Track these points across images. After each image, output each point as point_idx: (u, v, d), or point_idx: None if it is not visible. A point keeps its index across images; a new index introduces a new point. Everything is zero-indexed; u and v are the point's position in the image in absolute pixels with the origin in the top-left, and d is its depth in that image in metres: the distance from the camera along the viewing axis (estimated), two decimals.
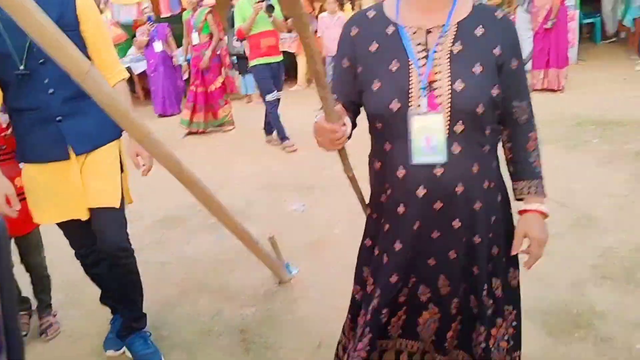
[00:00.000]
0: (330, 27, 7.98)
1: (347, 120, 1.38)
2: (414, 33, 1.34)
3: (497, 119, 1.41)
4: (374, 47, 1.38)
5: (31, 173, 2.10)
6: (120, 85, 2.14)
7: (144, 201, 3.47)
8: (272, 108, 5.42)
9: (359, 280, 1.61)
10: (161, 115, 8.07)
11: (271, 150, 5.56)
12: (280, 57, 5.47)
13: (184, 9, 9.15)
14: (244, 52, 6.98)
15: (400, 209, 1.39)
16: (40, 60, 1.93)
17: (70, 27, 1.90)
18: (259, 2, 5.02)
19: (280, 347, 2.41)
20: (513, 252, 1.48)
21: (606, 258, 2.78)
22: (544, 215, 1.46)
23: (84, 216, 2.11)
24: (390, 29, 1.37)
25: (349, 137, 1.42)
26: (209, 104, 6.54)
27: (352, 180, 1.66)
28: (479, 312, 1.46)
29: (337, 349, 1.77)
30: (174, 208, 4.10)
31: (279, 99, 5.45)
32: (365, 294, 1.55)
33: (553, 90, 6.30)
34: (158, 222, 4.00)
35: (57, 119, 1.99)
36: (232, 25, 6.93)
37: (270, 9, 5.02)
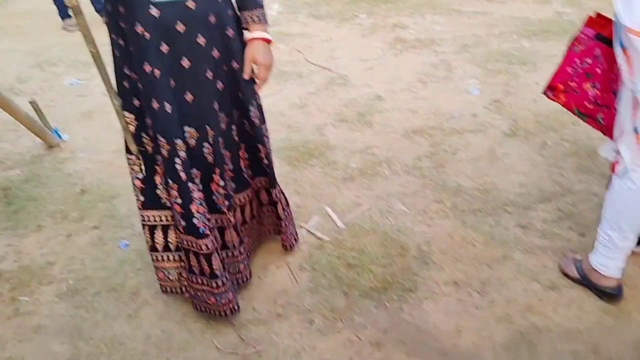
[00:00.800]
0: None
1: None
2: None
3: None
4: None
5: None
6: None
7: None
8: None
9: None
10: None
11: (47, 28, 5.16)
12: None
13: None
14: None
15: (164, 47, 1.46)
16: None
17: None
18: None
19: (43, 198, 2.51)
20: (245, 77, 1.62)
21: (347, 107, 3.26)
22: (268, 41, 1.61)
23: None
24: None
25: None
26: None
27: (77, 13, 1.43)
28: None
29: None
30: None
31: None
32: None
33: None
34: None
35: None
36: None
37: None
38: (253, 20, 1.59)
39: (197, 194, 1.59)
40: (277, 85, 3.56)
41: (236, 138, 1.76)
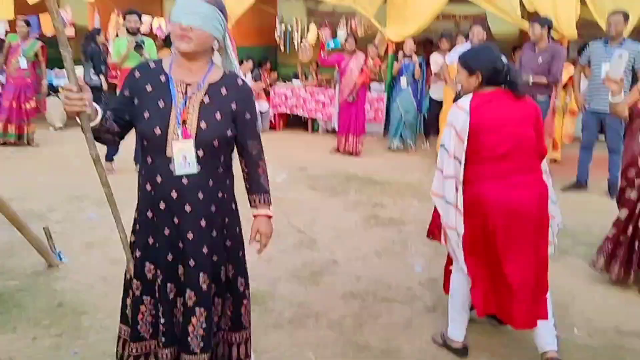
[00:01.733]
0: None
1: (89, 93, 1.80)
2: (179, 85, 1.93)
3: (230, 151, 2.03)
4: (149, 88, 1.94)
5: None
6: None
7: None
8: None
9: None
10: None
11: (75, 166, 6.09)
12: None
13: (43, 34, 9.62)
14: (101, 85, 7.78)
15: (162, 205, 1.94)
16: None
17: None
18: (132, 41, 5.86)
19: (26, 307, 3.07)
20: (250, 243, 2.14)
21: (304, 266, 3.80)
22: (269, 217, 2.15)
23: None
24: (163, 78, 1.95)
25: (101, 123, 1.88)
26: (21, 119, 7.47)
27: (96, 161, 1.98)
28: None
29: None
30: None
31: None
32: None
33: (351, 153, 7.61)
34: None
35: None
36: (88, 59, 7.75)
37: (138, 47, 5.80)
38: (260, 202, 2.14)
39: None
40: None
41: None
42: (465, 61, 2.63)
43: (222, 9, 1.92)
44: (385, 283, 3.60)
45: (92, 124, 1.84)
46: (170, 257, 1.99)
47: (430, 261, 3.95)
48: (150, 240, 2.01)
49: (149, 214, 1.99)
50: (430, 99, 8.33)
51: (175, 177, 1.91)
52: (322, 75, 9.83)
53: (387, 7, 8.38)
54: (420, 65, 7.81)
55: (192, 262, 1.98)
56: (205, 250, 1.99)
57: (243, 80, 2.05)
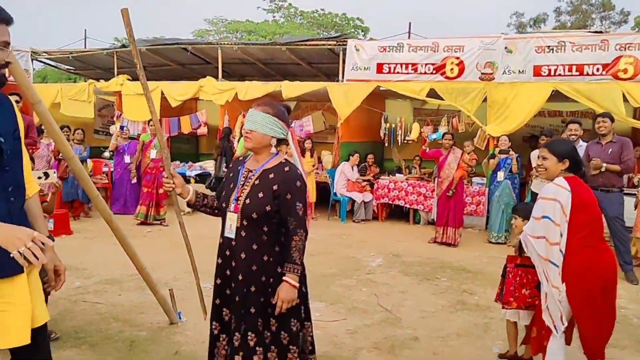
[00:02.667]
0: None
1: (177, 179, 2.67)
2: (245, 171, 2.63)
3: (275, 223, 2.52)
4: (230, 173, 2.72)
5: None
6: (36, 196, 2.23)
7: (98, 266, 5.00)
8: None
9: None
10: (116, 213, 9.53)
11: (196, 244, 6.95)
12: None
13: (181, 133, 11.26)
14: None
15: (219, 260, 2.65)
16: (6, 167, 1.95)
17: (19, 137, 2.06)
18: None
19: (151, 353, 3.74)
20: (273, 302, 2.50)
21: (386, 339, 4.14)
22: (292, 285, 2.46)
23: (27, 339, 1.92)
24: (239, 167, 2.67)
25: (196, 200, 2.74)
26: (157, 202, 8.80)
27: (181, 225, 3.05)
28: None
29: None
30: (117, 273, 5.50)
31: None
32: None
33: (448, 244, 7.86)
34: (103, 280, 5.38)
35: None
36: (221, 154, 9.11)
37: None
38: (288, 270, 2.48)
39: None
40: (344, 315, 4.60)
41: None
42: (556, 149, 3.15)
43: (278, 116, 2.59)
44: None
45: (186, 200, 2.71)
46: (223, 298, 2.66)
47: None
48: (218, 281, 2.67)
49: (219, 260, 2.66)
50: (532, 192, 8.45)
51: (228, 239, 2.58)
52: (425, 169, 10.36)
53: (488, 106, 8.88)
54: (517, 160, 8.08)
55: (233, 305, 2.58)
56: (237, 299, 2.55)
57: (290, 168, 2.57)
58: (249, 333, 2.53)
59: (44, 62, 14.20)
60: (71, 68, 14.92)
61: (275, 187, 2.52)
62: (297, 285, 2.50)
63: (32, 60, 12.56)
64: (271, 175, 2.56)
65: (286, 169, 2.56)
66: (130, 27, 2.51)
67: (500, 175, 8.17)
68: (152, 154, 8.85)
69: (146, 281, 4.06)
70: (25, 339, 1.89)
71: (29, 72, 11.95)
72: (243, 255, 2.54)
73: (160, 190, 8.72)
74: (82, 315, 4.43)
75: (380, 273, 6.09)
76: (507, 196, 8.16)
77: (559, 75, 8.78)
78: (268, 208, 2.50)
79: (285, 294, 2.48)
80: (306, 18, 29.65)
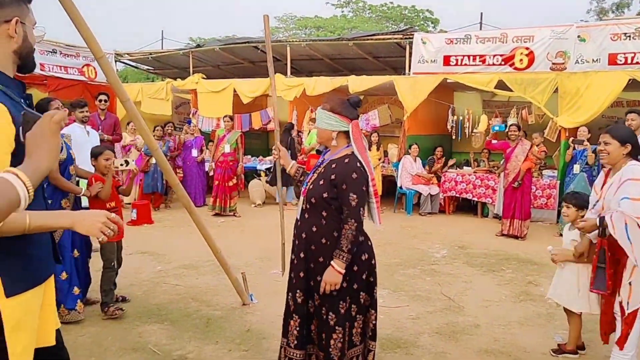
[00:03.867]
0: None
1: (284, 151, 3.20)
2: (321, 160, 2.90)
3: (333, 209, 2.71)
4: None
5: (25, 304, 1.71)
6: None
7: (177, 253, 5.50)
8: None
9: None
10: None
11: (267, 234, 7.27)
12: None
13: (252, 128, 11.72)
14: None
15: (293, 236, 2.96)
16: None
17: None
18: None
19: (225, 329, 4.05)
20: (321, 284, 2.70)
21: (448, 325, 4.26)
22: (335, 269, 2.63)
23: (53, 341, 1.91)
24: (320, 159, 2.95)
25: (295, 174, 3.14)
26: (225, 195, 9.22)
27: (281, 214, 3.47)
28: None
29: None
30: (194, 259, 5.93)
31: None
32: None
33: (515, 237, 7.78)
34: (182, 265, 5.82)
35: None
36: (287, 147, 9.47)
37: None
38: (335, 255, 2.65)
39: None
40: (406, 302, 4.76)
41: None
42: (618, 134, 3.19)
43: (334, 110, 2.78)
44: (521, 347, 3.90)
45: (287, 170, 3.14)
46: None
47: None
48: (292, 257, 2.93)
49: (293, 238, 2.93)
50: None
51: (297, 219, 2.88)
52: (493, 162, 10.23)
53: (559, 97, 8.67)
54: (593, 152, 7.85)
55: (295, 279, 2.86)
56: (301, 275, 2.80)
57: (350, 160, 2.72)
58: (309, 302, 2.83)
59: (126, 63, 15.11)
60: (150, 68, 15.77)
61: (333, 177, 2.71)
62: (342, 271, 2.64)
63: (115, 61, 13.44)
64: (333, 166, 2.75)
65: (346, 160, 2.73)
66: (269, 32, 2.97)
67: (577, 168, 7.95)
68: (226, 148, 9.31)
69: (221, 264, 4.39)
70: (51, 340, 1.88)
71: None
72: (304, 235, 2.80)
73: (230, 183, 9.20)
74: (164, 295, 4.85)
75: (444, 264, 6.17)
76: (582, 189, 7.87)
77: (637, 63, 8.42)
78: (325, 195, 2.71)
79: (328, 277, 2.66)
80: (375, 12, 29.58)
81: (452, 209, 10.03)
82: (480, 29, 11.85)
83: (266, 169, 11.14)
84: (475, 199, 9.59)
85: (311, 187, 2.79)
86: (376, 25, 27.00)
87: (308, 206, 2.79)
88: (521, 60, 9.22)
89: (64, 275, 4.14)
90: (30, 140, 1.40)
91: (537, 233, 8.01)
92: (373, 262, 2.86)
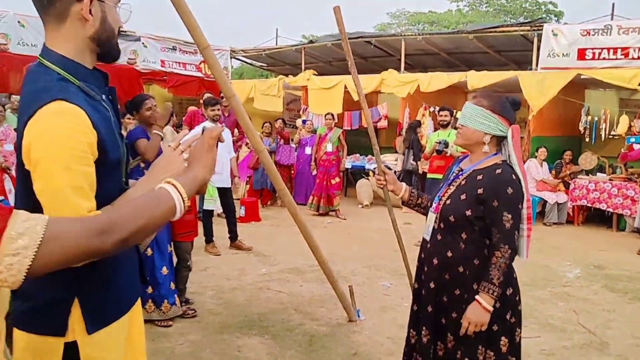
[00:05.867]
0: None
1: (389, 175, 2.64)
2: (457, 170, 2.37)
3: (477, 231, 2.18)
4: (447, 171, 2.50)
5: (108, 339, 1.42)
6: None
7: (282, 254, 5.21)
8: None
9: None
10: (299, 204, 9.86)
11: (376, 239, 6.84)
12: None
13: (362, 126, 11.35)
14: (416, 169, 9.20)
15: (418, 261, 2.46)
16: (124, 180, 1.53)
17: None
18: (437, 142, 6.73)
19: (330, 350, 3.69)
20: (463, 326, 2.17)
21: None
22: (481, 306, 2.12)
23: None
24: (454, 165, 2.45)
25: (410, 198, 2.59)
26: (328, 194, 8.95)
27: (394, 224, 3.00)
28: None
29: None
30: (299, 263, 5.65)
31: None
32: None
33: None
34: (287, 269, 5.56)
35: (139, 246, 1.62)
36: (409, 147, 9.04)
37: (442, 146, 6.64)
38: (482, 289, 2.14)
39: None
40: (537, 333, 4.11)
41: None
42: None
43: (494, 109, 2.23)
44: None
45: (399, 197, 2.60)
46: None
47: None
48: (416, 285, 2.49)
49: (417, 263, 2.48)
50: None
51: (425, 241, 2.40)
52: (633, 169, 9.00)
53: None
54: None
55: (421, 313, 2.37)
56: (429, 309, 2.30)
57: (503, 171, 2.19)
58: (439, 343, 2.31)
59: (241, 60, 15.38)
60: (264, 65, 15.95)
61: (480, 191, 2.19)
62: (490, 308, 2.14)
63: (230, 58, 13.66)
64: (479, 177, 2.23)
65: (498, 171, 2.19)
66: (342, 25, 2.72)
67: None
68: (328, 147, 9.03)
69: (327, 275, 4.03)
70: None
71: (227, 69, 12.98)
72: (435, 261, 2.30)
73: (333, 182, 8.91)
74: (266, 303, 4.59)
75: (578, 286, 5.37)
76: None
77: None
78: (468, 213, 2.19)
79: (472, 314, 2.16)
80: (492, 5, 28.00)
81: (582, 220, 8.97)
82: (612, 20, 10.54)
83: (375, 168, 10.72)
84: (611, 209, 8.48)
85: (448, 202, 2.27)
86: (493, 19, 25.51)
87: (442, 225, 2.27)
88: None
89: (164, 270, 4.04)
90: (192, 153, 1.41)
91: None
92: (517, 297, 2.30)
